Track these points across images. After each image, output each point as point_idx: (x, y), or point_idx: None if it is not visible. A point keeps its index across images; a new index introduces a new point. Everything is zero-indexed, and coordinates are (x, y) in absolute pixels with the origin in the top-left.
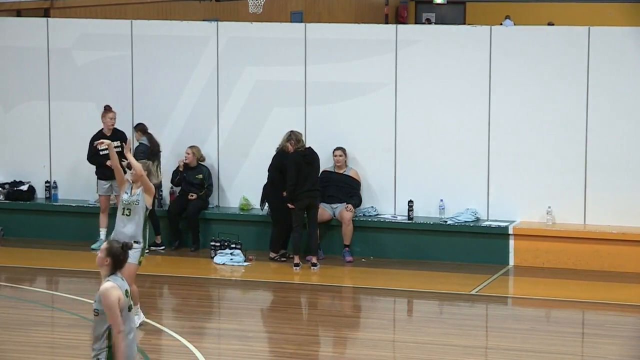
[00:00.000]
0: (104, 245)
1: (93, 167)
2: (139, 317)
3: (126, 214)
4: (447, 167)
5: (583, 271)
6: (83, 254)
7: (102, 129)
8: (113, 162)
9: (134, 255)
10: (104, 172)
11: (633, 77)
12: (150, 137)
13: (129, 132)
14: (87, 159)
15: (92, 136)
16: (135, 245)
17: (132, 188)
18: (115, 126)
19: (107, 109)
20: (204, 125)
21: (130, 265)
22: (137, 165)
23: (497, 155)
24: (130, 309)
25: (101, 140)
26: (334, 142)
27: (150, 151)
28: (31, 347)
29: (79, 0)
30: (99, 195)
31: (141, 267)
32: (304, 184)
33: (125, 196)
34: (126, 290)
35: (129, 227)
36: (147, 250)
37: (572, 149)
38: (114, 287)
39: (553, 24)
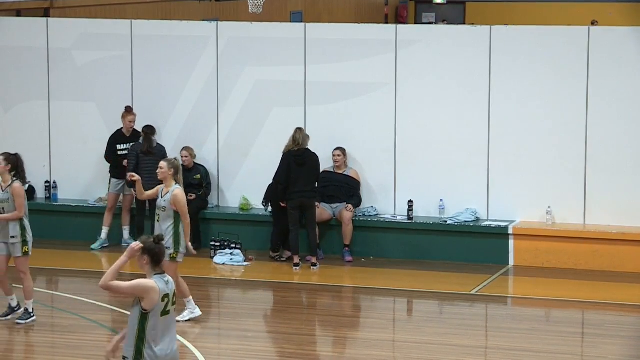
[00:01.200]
0: (136, 247)
1: (92, 167)
2: (191, 312)
3: (157, 220)
4: (447, 167)
5: (583, 271)
6: (83, 254)
7: (121, 128)
8: (139, 195)
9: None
10: (119, 171)
11: (633, 77)
12: (145, 138)
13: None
14: (105, 157)
15: (110, 135)
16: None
17: (162, 190)
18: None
19: (128, 110)
20: (204, 125)
21: (165, 262)
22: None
23: (497, 155)
24: (165, 313)
25: (132, 174)
26: (334, 142)
27: (139, 152)
28: (31, 347)
29: (79, 0)
30: (109, 192)
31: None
32: (295, 185)
33: (157, 200)
34: (166, 295)
35: (159, 232)
36: (180, 252)
37: (572, 149)
38: (153, 284)
39: (597, 22)
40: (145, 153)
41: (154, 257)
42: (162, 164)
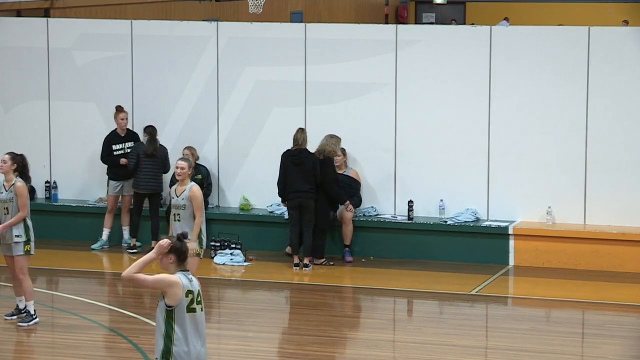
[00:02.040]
0: (165, 244)
1: (92, 168)
2: None
3: (177, 220)
4: (447, 167)
5: (583, 271)
6: (83, 254)
7: (116, 129)
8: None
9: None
10: (116, 172)
11: (633, 77)
12: (150, 139)
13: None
14: (101, 159)
15: (105, 136)
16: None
17: (175, 189)
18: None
19: (119, 109)
20: (204, 125)
21: (189, 260)
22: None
23: (497, 155)
24: (190, 310)
25: (194, 247)
26: None
27: (141, 154)
28: (31, 347)
29: (79, 0)
30: (108, 195)
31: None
32: (292, 185)
33: (173, 200)
34: (189, 291)
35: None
36: (203, 249)
37: (572, 149)
38: (176, 279)
39: (627, 22)
40: (150, 156)
41: (180, 255)
42: (183, 164)
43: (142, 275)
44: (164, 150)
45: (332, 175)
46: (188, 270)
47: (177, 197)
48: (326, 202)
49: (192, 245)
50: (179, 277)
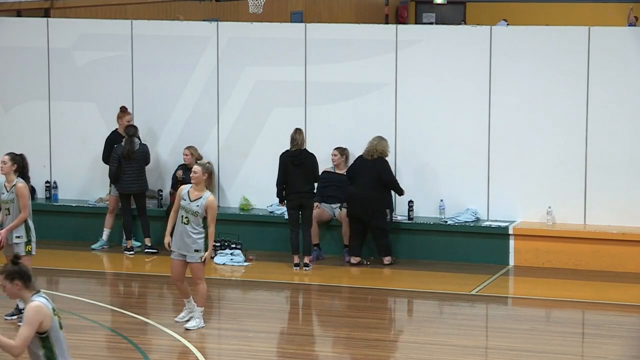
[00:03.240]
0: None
1: (92, 168)
2: (197, 321)
3: (185, 222)
4: (447, 167)
5: (583, 271)
6: (83, 254)
7: (117, 129)
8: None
9: (195, 257)
10: None
11: (633, 77)
12: (127, 140)
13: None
14: (103, 159)
15: (107, 137)
16: (195, 253)
17: (188, 193)
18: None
19: (124, 110)
20: (204, 125)
21: (194, 265)
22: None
23: (497, 155)
24: (61, 327)
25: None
26: (334, 142)
27: (120, 156)
28: None
29: (79, 0)
30: (110, 195)
31: (140, 267)
32: (293, 185)
33: (183, 202)
34: (53, 308)
35: (187, 237)
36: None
37: (572, 149)
38: (39, 306)
39: (637, 19)
40: (126, 157)
41: (25, 276)
42: (197, 168)
43: (21, 339)
44: (143, 147)
45: (389, 174)
46: (39, 291)
47: (191, 201)
48: (383, 201)
49: (206, 254)
50: (39, 302)
